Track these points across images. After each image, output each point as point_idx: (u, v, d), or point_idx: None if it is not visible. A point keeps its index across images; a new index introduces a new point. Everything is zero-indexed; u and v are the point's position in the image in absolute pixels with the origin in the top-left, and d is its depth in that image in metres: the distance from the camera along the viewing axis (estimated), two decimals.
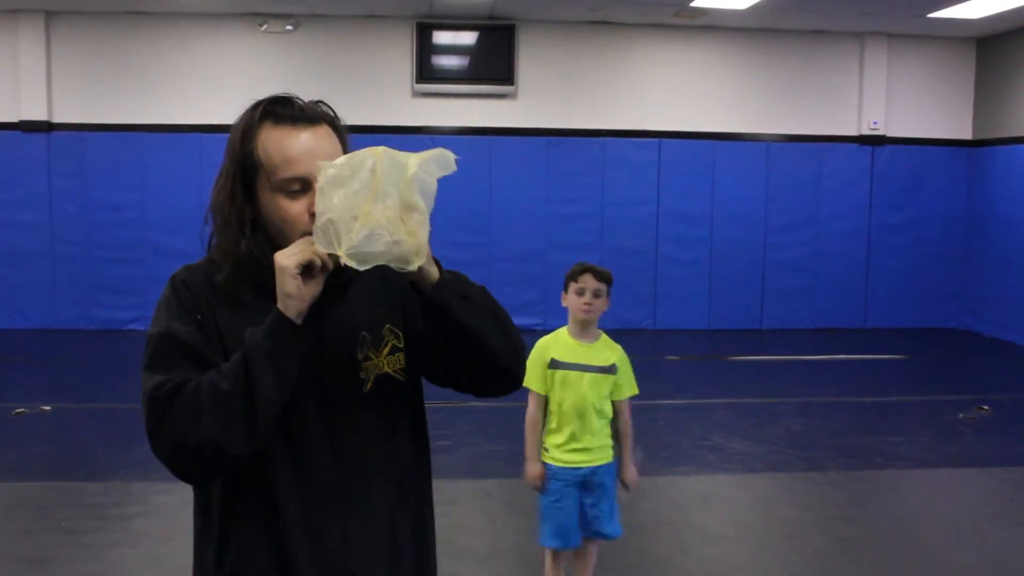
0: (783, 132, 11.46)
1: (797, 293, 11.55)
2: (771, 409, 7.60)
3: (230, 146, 1.69)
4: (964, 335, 11.55)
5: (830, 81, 11.53)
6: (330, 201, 1.50)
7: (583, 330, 3.66)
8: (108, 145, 10.64)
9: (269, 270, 1.56)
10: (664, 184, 11.29)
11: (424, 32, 10.78)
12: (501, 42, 10.89)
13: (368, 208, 1.48)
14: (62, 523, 4.89)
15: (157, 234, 10.56)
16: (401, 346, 1.76)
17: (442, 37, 10.93)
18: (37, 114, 10.54)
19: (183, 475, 1.61)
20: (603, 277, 3.64)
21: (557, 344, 3.66)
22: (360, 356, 1.71)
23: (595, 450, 3.64)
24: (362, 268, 1.50)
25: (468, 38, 10.99)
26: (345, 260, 1.49)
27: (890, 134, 11.58)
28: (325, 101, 1.73)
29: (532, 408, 3.69)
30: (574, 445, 3.62)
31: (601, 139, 11.18)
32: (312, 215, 1.55)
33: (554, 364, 3.62)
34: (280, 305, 1.55)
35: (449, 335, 1.66)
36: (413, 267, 1.53)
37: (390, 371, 1.74)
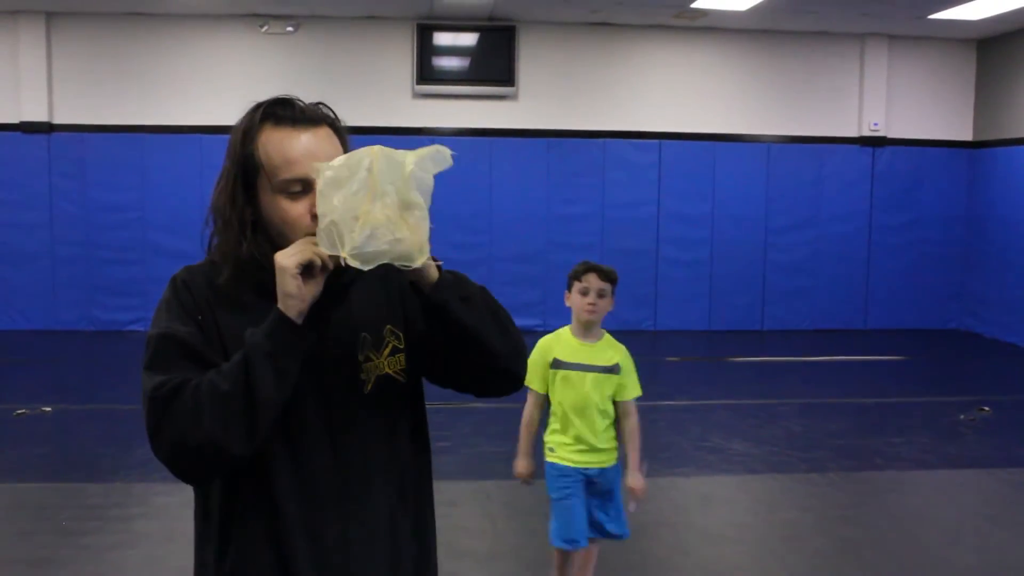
0: (783, 133, 11.46)
1: (797, 294, 11.55)
2: (771, 410, 7.60)
3: (231, 148, 1.69)
4: (964, 336, 11.55)
5: (830, 82, 11.53)
6: (330, 203, 1.50)
7: (586, 330, 3.62)
8: (109, 146, 10.65)
9: (270, 271, 1.57)
10: (664, 185, 11.30)
11: (424, 33, 10.78)
12: (501, 43, 10.89)
13: (368, 208, 1.49)
14: (62, 523, 4.89)
15: (157, 235, 10.56)
16: (402, 347, 1.76)
17: (442, 38, 10.93)
18: (38, 115, 10.55)
19: (183, 475, 1.61)
20: (608, 276, 3.57)
21: (559, 343, 3.62)
22: (361, 357, 1.72)
23: (602, 451, 3.60)
24: (366, 268, 1.51)
25: (468, 39, 11.00)
26: (349, 261, 1.49)
27: (890, 135, 11.58)
28: (325, 103, 1.74)
29: (529, 406, 3.67)
30: (581, 446, 3.58)
31: (601, 140, 11.18)
32: (314, 216, 1.55)
33: (556, 364, 3.58)
34: (280, 305, 1.55)
35: (449, 335, 1.66)
36: (416, 264, 1.54)
37: (391, 372, 1.74)
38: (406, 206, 1.51)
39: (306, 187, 1.62)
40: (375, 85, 10.85)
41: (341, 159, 1.53)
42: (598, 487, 3.62)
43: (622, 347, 3.67)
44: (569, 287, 3.61)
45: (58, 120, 10.64)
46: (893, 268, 11.68)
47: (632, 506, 3.57)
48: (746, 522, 5.19)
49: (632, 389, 3.64)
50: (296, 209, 1.63)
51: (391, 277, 1.75)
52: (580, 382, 3.56)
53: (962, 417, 7.41)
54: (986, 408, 7.64)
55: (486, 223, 11.04)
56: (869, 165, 11.61)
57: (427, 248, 1.54)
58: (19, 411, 7.11)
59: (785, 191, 11.46)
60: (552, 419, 3.65)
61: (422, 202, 1.53)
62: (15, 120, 10.55)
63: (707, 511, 5.33)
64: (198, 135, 10.48)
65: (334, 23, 10.82)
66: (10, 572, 4.33)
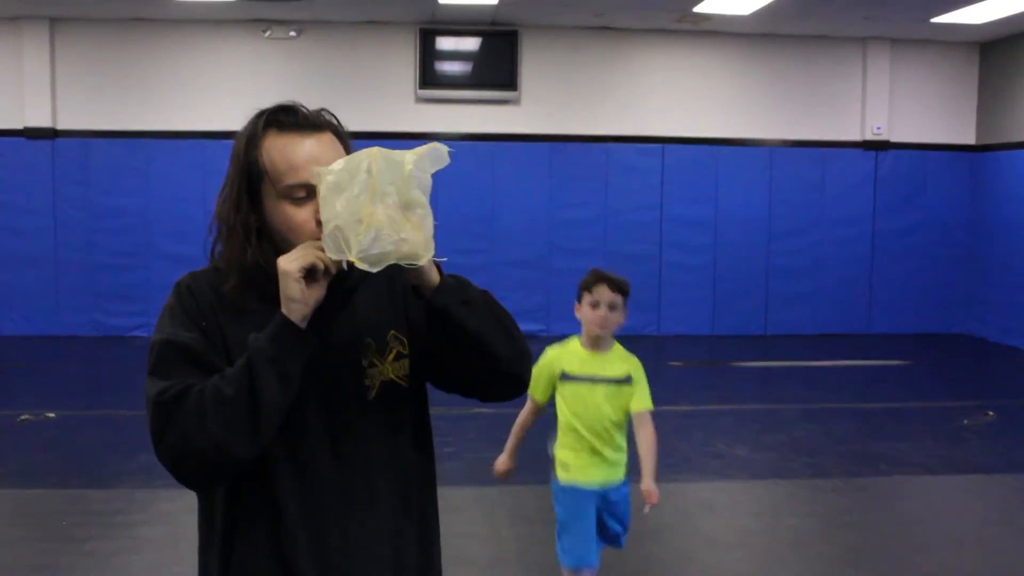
0: (786, 137, 11.46)
1: (801, 299, 11.54)
2: (775, 415, 7.59)
3: (234, 155, 1.69)
4: (968, 340, 11.52)
5: (833, 86, 11.53)
6: (334, 208, 1.51)
7: (596, 342, 3.48)
8: (112, 151, 10.67)
9: (275, 278, 1.57)
10: (667, 189, 11.29)
11: (427, 38, 10.79)
12: (504, 48, 10.90)
13: (370, 210, 1.49)
14: (63, 523, 4.89)
15: (161, 240, 10.57)
16: (406, 353, 1.76)
17: (445, 43, 10.95)
18: (41, 121, 10.57)
19: (187, 480, 1.61)
20: (619, 287, 3.42)
21: (567, 354, 3.50)
22: (365, 362, 1.71)
23: (617, 466, 3.48)
24: (374, 270, 1.52)
25: (471, 44, 11.01)
26: (357, 264, 1.50)
27: (893, 139, 11.58)
28: (328, 109, 1.74)
29: (526, 412, 3.58)
30: (596, 458, 3.44)
31: (604, 144, 11.18)
32: (318, 222, 1.56)
33: (564, 377, 3.45)
34: (284, 309, 1.56)
35: (451, 339, 1.66)
36: (423, 261, 1.54)
37: (395, 378, 1.74)
38: (408, 205, 1.52)
39: (310, 192, 1.62)
40: (378, 90, 10.86)
41: (340, 163, 1.54)
42: (610, 502, 3.50)
43: (634, 358, 3.53)
44: (579, 298, 3.46)
45: (62, 125, 10.66)
46: (896, 272, 11.67)
47: (646, 508, 3.47)
48: (750, 528, 5.18)
49: (642, 400, 3.48)
50: (301, 215, 1.63)
51: (395, 282, 1.76)
52: (591, 396, 3.42)
53: (966, 422, 7.39)
54: (990, 413, 7.62)
55: (489, 228, 11.04)
56: (872, 169, 11.60)
57: (432, 245, 1.55)
58: (23, 416, 7.11)
59: (788, 195, 11.45)
60: (563, 435, 3.49)
61: (424, 200, 1.53)
62: (19, 126, 10.57)
63: (710, 517, 5.31)
64: (201, 140, 10.49)
65: (337, 28, 10.84)
66: None
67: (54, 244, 10.70)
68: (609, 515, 3.53)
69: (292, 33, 10.75)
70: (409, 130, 10.76)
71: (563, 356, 3.49)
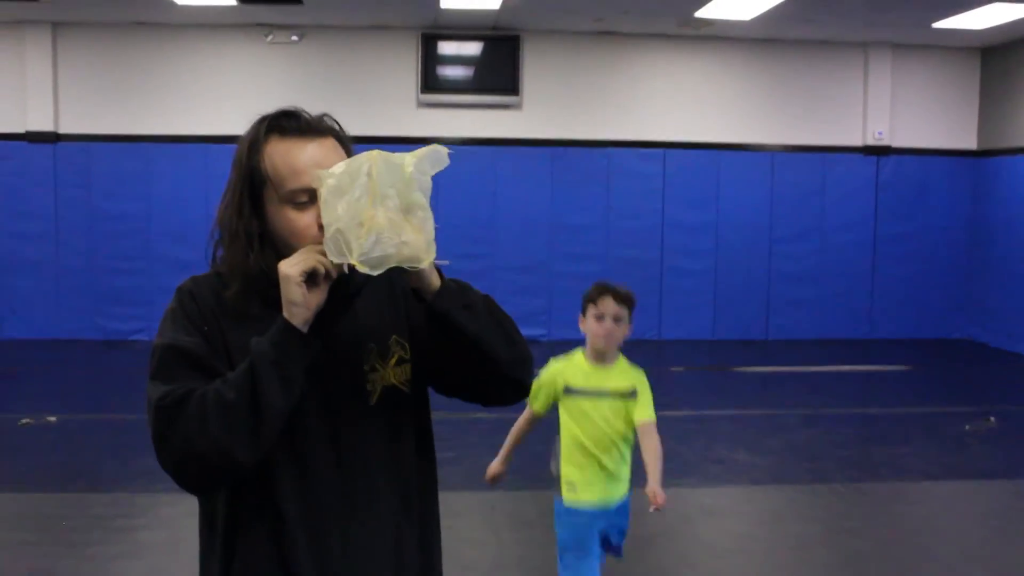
0: (788, 142, 11.46)
1: (802, 304, 11.53)
2: (776, 420, 7.58)
3: (236, 160, 1.70)
4: (970, 346, 11.51)
5: (834, 91, 11.53)
6: (335, 211, 1.51)
7: (601, 356, 3.43)
8: (114, 155, 10.67)
9: (277, 284, 1.57)
10: (669, 194, 11.29)
11: (429, 43, 10.80)
12: (506, 53, 10.91)
13: (371, 213, 1.50)
14: (63, 523, 4.88)
15: (163, 244, 10.57)
16: (408, 358, 1.76)
17: (447, 48, 10.96)
18: (43, 125, 10.58)
19: (189, 485, 1.61)
20: (624, 300, 3.37)
21: (571, 368, 3.43)
22: (366, 367, 1.71)
23: (620, 481, 3.43)
24: (375, 273, 1.52)
25: (473, 49, 11.02)
26: (358, 267, 1.50)
27: (895, 144, 11.58)
28: (330, 114, 1.75)
29: (522, 420, 3.54)
30: (601, 475, 3.38)
31: (606, 149, 11.18)
32: (321, 227, 1.56)
33: (569, 391, 3.40)
34: (285, 313, 1.56)
35: (452, 343, 1.66)
36: (424, 264, 1.55)
37: (396, 383, 1.74)
38: (409, 207, 1.52)
39: (312, 197, 1.62)
40: (379, 94, 10.87)
41: (341, 166, 1.54)
42: (613, 518, 3.46)
43: (639, 372, 3.47)
44: (584, 311, 3.41)
45: (64, 130, 10.67)
46: (898, 277, 11.66)
47: (651, 508, 3.41)
48: (752, 534, 5.17)
49: (645, 411, 3.40)
50: (303, 220, 1.64)
51: (396, 287, 1.76)
52: (596, 410, 3.36)
53: (968, 427, 7.38)
54: (992, 418, 7.61)
55: (490, 233, 11.04)
56: (873, 174, 11.60)
57: (433, 247, 1.55)
58: (24, 420, 7.11)
59: (789, 200, 11.45)
60: (568, 451, 3.41)
61: (425, 202, 1.54)
62: (21, 130, 10.58)
63: (712, 522, 5.31)
64: (203, 144, 10.50)
65: (339, 32, 10.85)
66: None
67: (56, 248, 10.71)
68: (611, 528, 3.50)
69: (294, 37, 10.76)
70: (411, 135, 10.76)
71: (567, 370, 3.44)
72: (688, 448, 6.60)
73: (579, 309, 3.48)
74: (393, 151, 1.56)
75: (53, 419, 7.22)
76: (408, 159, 1.53)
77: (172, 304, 1.69)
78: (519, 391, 1.76)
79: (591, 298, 3.39)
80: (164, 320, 1.68)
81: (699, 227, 11.33)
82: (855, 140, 11.56)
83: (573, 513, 3.39)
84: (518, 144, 11.06)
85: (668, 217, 11.30)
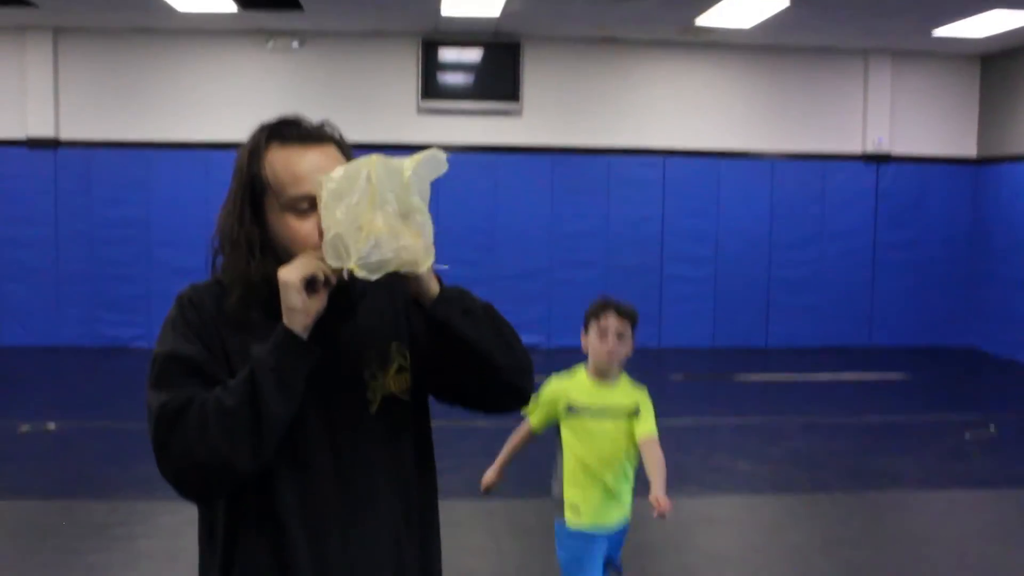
0: (787, 150, 11.46)
1: (802, 311, 11.52)
2: (776, 428, 7.57)
3: (237, 168, 1.70)
4: (969, 354, 11.50)
5: (834, 99, 11.54)
6: (334, 216, 1.51)
7: (604, 373, 3.37)
8: (114, 162, 10.67)
9: (278, 292, 1.57)
10: (669, 202, 11.29)
11: (429, 49, 10.81)
12: (506, 59, 10.92)
13: (370, 217, 1.49)
14: (62, 525, 4.87)
15: (162, 251, 10.57)
16: (407, 366, 1.76)
17: (447, 54, 10.97)
18: (44, 131, 10.59)
19: (189, 493, 1.61)
20: (627, 315, 3.33)
21: (574, 385, 3.38)
22: (367, 374, 1.71)
23: (624, 503, 3.39)
24: (373, 277, 1.52)
25: (473, 55, 11.04)
26: (356, 272, 1.50)
27: (895, 152, 11.58)
28: (331, 121, 1.75)
29: (520, 432, 3.49)
30: (606, 496, 3.33)
31: (606, 157, 11.19)
32: (322, 234, 1.56)
33: (572, 409, 3.34)
34: (285, 320, 1.56)
35: (452, 350, 1.65)
36: (423, 268, 1.55)
37: (396, 391, 1.74)
38: (408, 212, 1.52)
39: (313, 205, 1.62)
40: (380, 101, 10.88)
41: (340, 170, 1.54)
42: (616, 537, 3.43)
43: (642, 389, 3.43)
44: (586, 327, 3.35)
45: (64, 136, 10.67)
46: (898, 285, 11.66)
47: (654, 514, 3.38)
48: (751, 543, 5.16)
49: (646, 425, 3.35)
50: (305, 227, 1.64)
51: (397, 295, 1.75)
52: (599, 428, 3.32)
53: (968, 436, 7.37)
54: (992, 426, 7.60)
55: (490, 240, 11.04)
56: (873, 181, 11.60)
57: (432, 252, 1.55)
58: (23, 428, 7.10)
59: (789, 208, 11.45)
60: (571, 473, 3.34)
61: (423, 207, 1.54)
62: (21, 136, 10.59)
63: (712, 532, 5.30)
64: (204, 151, 10.50)
65: (339, 39, 10.86)
66: None
67: (55, 254, 10.70)
68: (611, 545, 3.45)
69: (295, 44, 10.77)
70: (411, 141, 10.76)
71: (569, 388, 3.38)
72: (688, 456, 6.58)
73: (579, 316, 3.46)
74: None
75: (52, 426, 7.21)
76: (407, 164, 1.54)
77: (172, 312, 1.69)
78: (519, 398, 1.76)
79: (593, 313, 3.34)
80: (164, 328, 1.68)
81: (699, 234, 11.33)
82: (855, 147, 11.57)
83: (576, 536, 3.33)
84: (518, 151, 11.07)
85: (668, 224, 11.29)
